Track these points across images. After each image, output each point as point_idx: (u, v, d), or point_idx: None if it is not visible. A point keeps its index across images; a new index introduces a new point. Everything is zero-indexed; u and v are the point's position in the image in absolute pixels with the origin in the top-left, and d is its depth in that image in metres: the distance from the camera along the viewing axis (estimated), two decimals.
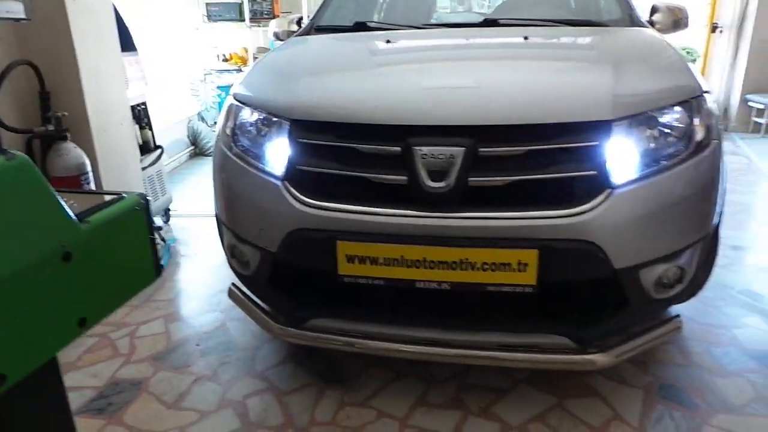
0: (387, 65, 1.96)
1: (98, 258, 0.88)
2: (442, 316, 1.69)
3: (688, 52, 7.63)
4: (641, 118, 1.57)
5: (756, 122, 5.58)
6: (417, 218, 1.53)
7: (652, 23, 2.50)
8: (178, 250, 3.09)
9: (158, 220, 3.32)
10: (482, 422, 1.72)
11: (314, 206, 1.60)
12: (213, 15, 5.41)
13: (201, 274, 2.79)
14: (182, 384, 1.93)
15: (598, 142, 1.52)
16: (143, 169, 2.98)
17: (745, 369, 1.94)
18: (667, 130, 1.61)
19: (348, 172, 1.60)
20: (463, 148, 1.50)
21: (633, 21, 2.32)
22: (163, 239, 2.97)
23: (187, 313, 2.42)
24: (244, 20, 5.38)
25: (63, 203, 0.81)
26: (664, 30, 2.52)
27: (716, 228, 1.81)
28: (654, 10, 2.55)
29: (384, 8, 2.86)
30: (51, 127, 2.04)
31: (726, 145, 5.23)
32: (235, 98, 1.91)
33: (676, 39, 7.51)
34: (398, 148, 1.54)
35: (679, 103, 1.63)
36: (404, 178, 1.53)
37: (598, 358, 1.58)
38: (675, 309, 2.28)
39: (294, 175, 1.65)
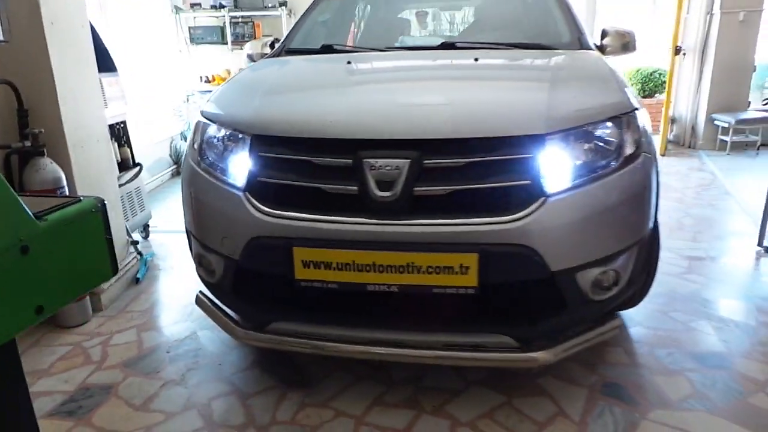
0: (342, 84, 2.10)
1: (55, 253, 0.98)
2: (395, 318, 1.80)
3: (660, 74, 7.92)
4: (573, 132, 1.71)
5: (722, 140, 5.79)
6: (366, 225, 1.65)
7: (603, 46, 2.67)
8: (157, 264, 3.18)
9: (137, 235, 3.41)
10: (434, 420, 1.82)
11: (272, 215, 1.71)
12: (195, 38, 5.59)
13: (176, 287, 2.87)
14: (151, 388, 2.01)
15: (533, 154, 1.65)
16: (121, 185, 3.08)
17: (685, 368, 2.06)
18: (598, 144, 1.75)
19: (304, 183, 1.72)
20: (409, 160, 1.62)
21: (581, 44, 2.48)
22: (140, 253, 3.05)
23: (160, 323, 2.51)
24: (226, 43, 5.55)
25: (22, 203, 0.92)
26: (613, 52, 2.69)
27: (652, 235, 1.94)
28: (604, 34, 2.72)
29: (352, 32, 3.01)
30: (28, 143, 2.15)
31: (692, 162, 5.45)
32: (202, 115, 2.03)
33: (646, 61, 7.74)
34: (349, 161, 1.66)
35: (610, 119, 1.77)
36: (355, 188, 1.65)
37: (540, 356, 1.69)
38: (626, 314, 2.41)
39: (254, 187, 1.77)
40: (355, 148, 1.66)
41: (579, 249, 1.69)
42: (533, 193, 1.64)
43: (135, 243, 3.02)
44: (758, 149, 5.73)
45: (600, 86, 1.94)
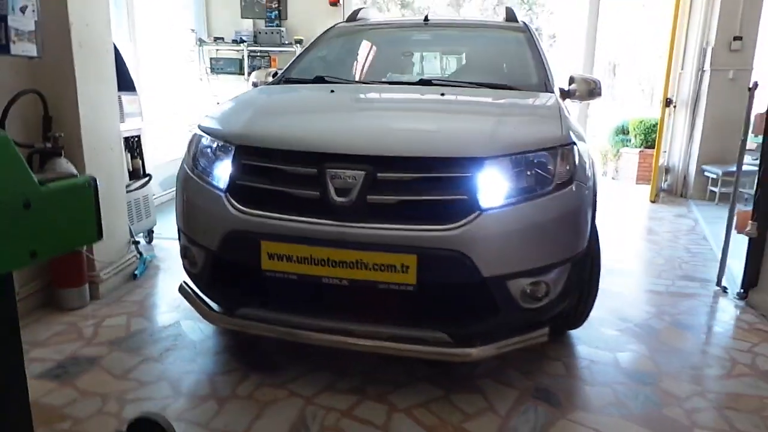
0: (319, 108, 2.41)
1: (51, 212, 1.26)
2: (346, 310, 2.04)
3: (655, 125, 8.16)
4: (510, 157, 1.97)
5: (711, 191, 5.98)
6: (324, 226, 1.91)
7: (570, 91, 2.96)
8: (156, 265, 3.47)
9: (141, 239, 3.72)
10: (375, 405, 2.04)
11: (246, 213, 1.99)
12: (216, 68, 6.04)
13: (169, 285, 3.15)
14: (131, 362, 2.27)
15: (472, 173, 1.91)
16: (130, 191, 3.41)
17: (614, 382, 2.24)
18: (533, 169, 2.00)
19: (275, 188, 2.00)
20: (364, 173, 1.90)
21: (546, 88, 2.77)
22: (140, 253, 3.35)
23: (150, 312, 2.78)
24: (243, 74, 5.99)
25: (30, 171, 1.21)
26: (581, 97, 2.98)
27: (586, 256, 2.17)
28: (571, 80, 3.01)
29: (347, 67, 3.35)
30: (49, 145, 2.48)
31: (680, 210, 5.66)
32: (199, 128, 2.34)
33: (641, 113, 8.06)
34: (314, 170, 1.94)
35: (546, 150, 2.03)
36: (317, 193, 1.93)
37: (473, 351, 1.92)
38: (574, 333, 2.61)
39: (234, 189, 2.06)
40: (320, 160, 1.94)
41: (509, 259, 1.93)
42: (470, 207, 1.89)
43: (136, 243, 3.31)
44: (746, 201, 5.89)
45: (543, 122, 2.21)
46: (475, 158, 1.93)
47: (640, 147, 8.47)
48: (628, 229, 4.91)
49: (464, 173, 1.92)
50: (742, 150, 3.22)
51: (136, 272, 3.20)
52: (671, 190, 6.60)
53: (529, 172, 2.00)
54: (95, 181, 1.40)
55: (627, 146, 8.99)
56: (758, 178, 2.96)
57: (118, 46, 3.27)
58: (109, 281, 2.96)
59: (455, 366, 2.29)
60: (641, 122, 8.88)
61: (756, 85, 3.09)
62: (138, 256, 3.31)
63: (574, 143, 2.13)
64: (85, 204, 1.39)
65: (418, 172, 1.93)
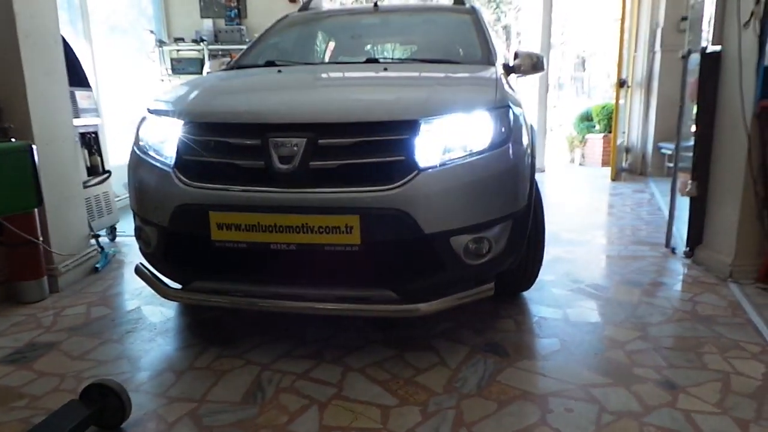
0: (265, 85, 2.47)
1: None
2: (295, 275, 2.10)
3: None
4: (444, 119, 2.05)
5: (669, 167, 6.17)
6: (269, 193, 1.97)
7: (515, 66, 3.07)
8: (121, 260, 3.48)
9: (104, 236, 3.73)
10: (331, 367, 2.10)
11: (194, 186, 2.04)
12: (177, 69, 6.05)
13: (132, 277, 3.16)
14: (90, 345, 2.29)
15: (409, 136, 1.99)
16: (88, 186, 3.42)
17: (562, 333, 2.34)
18: (468, 130, 2.09)
19: (221, 160, 2.05)
20: (305, 140, 1.96)
21: (488, 62, 2.87)
22: (101, 247, 3.36)
23: (111, 301, 2.80)
24: (203, 73, 5.99)
25: None
26: (525, 71, 3.08)
27: (526, 214, 2.26)
28: (516, 55, 3.12)
29: (298, 53, 3.42)
30: None
31: (638, 186, 5.81)
32: (147, 110, 2.39)
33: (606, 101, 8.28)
34: (258, 141, 2.00)
35: (480, 111, 2.12)
36: (262, 162, 1.99)
37: (421, 306, 1.99)
38: (525, 294, 2.71)
39: (181, 164, 2.11)
40: (264, 131, 2.00)
41: (449, 216, 2.00)
42: (408, 168, 1.96)
43: (96, 236, 3.32)
44: None
45: (478, 88, 2.30)
46: (410, 120, 2.01)
47: (603, 132, 8.70)
48: (589, 206, 5.06)
49: (401, 136, 1.99)
50: (680, 117, 3.36)
51: (97, 265, 3.21)
52: (632, 168, 6.79)
53: (464, 133, 2.09)
54: (31, 147, 1.45)
55: (592, 132, 9.22)
56: (695, 140, 3.10)
57: (69, 42, 3.29)
58: (68, 274, 2.97)
59: (410, 328, 2.37)
60: (603, 108, 9.12)
61: (689, 52, 3.24)
62: (99, 250, 3.32)
63: (509, 107, 2.23)
64: (23, 169, 1.43)
65: (358, 136, 1.99)
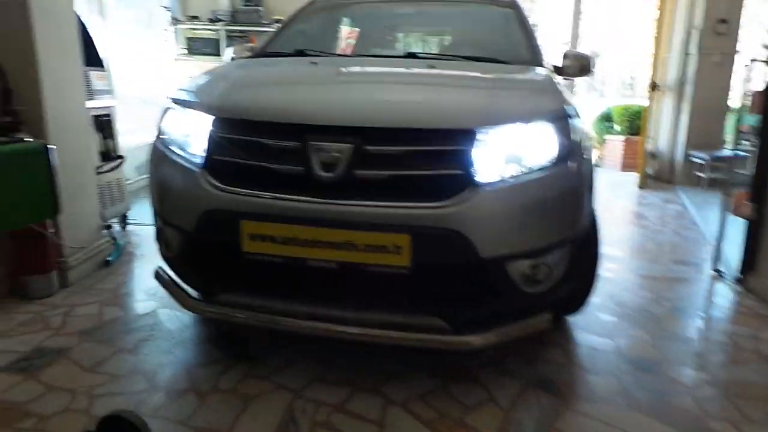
0: (301, 79, 2.24)
1: (2, 181, 1.09)
2: (334, 295, 1.89)
3: None
4: (504, 129, 1.83)
5: (698, 176, 5.95)
6: (309, 203, 1.76)
7: (563, 67, 2.83)
8: (131, 252, 3.28)
9: (116, 224, 3.52)
10: (368, 397, 1.90)
11: (224, 190, 1.83)
12: (193, 49, 5.79)
13: (145, 271, 2.97)
14: (102, 354, 2.10)
15: (466, 147, 1.77)
16: (101, 173, 3.20)
17: (618, 371, 2.14)
18: (527, 142, 1.86)
19: (256, 163, 1.84)
20: (351, 145, 1.74)
21: (537, 62, 2.63)
22: (114, 238, 3.16)
23: (124, 300, 2.60)
24: (221, 55, 5.75)
25: None
26: (572, 74, 2.85)
27: (586, 237, 2.05)
28: (564, 56, 2.89)
29: (328, 42, 3.18)
30: (9, 119, 2.27)
31: (668, 195, 5.57)
32: (172, 101, 2.17)
33: (624, 101, 8.09)
34: (298, 143, 1.78)
35: (542, 122, 1.90)
36: (301, 168, 1.77)
37: (473, 339, 1.79)
38: (572, 320, 2.51)
39: (211, 165, 1.89)
40: (304, 133, 1.79)
41: (508, 238, 1.79)
42: (465, 183, 1.75)
43: (108, 227, 3.12)
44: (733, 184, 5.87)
45: (538, 94, 2.08)
46: (469, 130, 1.79)
47: (624, 134, 8.44)
48: (621, 216, 4.84)
49: (459, 146, 1.78)
50: (737, 130, 3.14)
51: (109, 258, 3.01)
52: (658, 176, 6.56)
53: (524, 146, 1.87)
54: (47, 147, 1.24)
55: (611, 134, 8.96)
56: (757, 158, 2.88)
57: (83, 19, 3.06)
58: (79, 268, 2.77)
59: (450, 355, 2.17)
60: (626, 109, 8.85)
61: (753, 61, 3.01)
62: (112, 241, 3.11)
63: (572, 116, 2.01)
64: (40, 171, 1.22)
65: (410, 144, 1.77)
